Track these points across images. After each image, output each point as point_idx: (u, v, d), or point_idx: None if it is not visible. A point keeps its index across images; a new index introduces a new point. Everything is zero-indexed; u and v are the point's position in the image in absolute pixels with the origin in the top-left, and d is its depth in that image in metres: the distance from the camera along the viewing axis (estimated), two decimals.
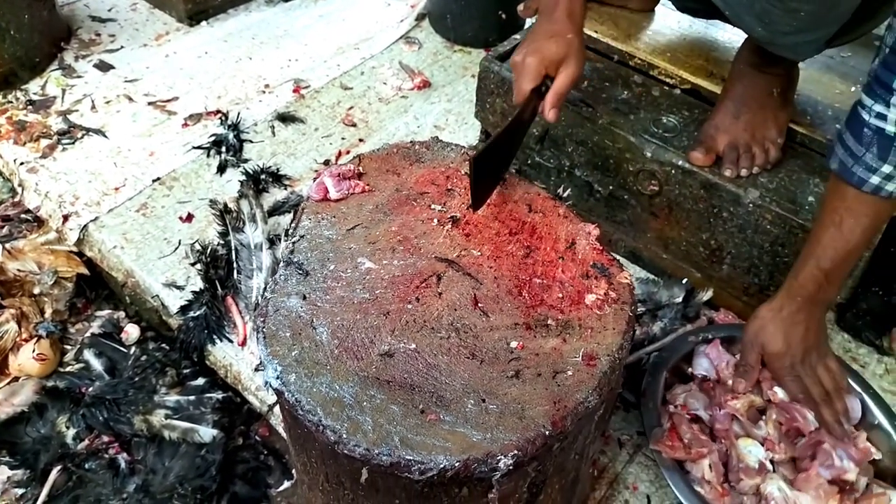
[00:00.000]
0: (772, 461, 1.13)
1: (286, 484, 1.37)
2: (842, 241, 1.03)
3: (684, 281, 1.44)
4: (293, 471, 1.38)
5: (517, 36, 1.63)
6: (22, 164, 1.71)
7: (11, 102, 1.87)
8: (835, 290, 1.10)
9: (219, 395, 1.41)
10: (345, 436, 0.74)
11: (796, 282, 1.09)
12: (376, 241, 0.96)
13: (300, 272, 0.91)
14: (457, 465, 0.73)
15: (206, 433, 1.35)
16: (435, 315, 0.87)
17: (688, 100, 1.49)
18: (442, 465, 0.73)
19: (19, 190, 1.73)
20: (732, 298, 1.43)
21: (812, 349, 1.13)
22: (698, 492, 1.10)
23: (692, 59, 1.54)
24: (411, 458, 0.73)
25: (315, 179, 1.04)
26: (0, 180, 1.83)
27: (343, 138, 1.85)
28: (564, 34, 1.12)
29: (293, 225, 0.99)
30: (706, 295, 1.43)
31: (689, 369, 1.27)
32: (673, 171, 1.36)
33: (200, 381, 1.44)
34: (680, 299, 1.41)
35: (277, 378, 0.79)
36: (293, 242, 0.95)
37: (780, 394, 1.18)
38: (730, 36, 1.60)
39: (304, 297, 0.88)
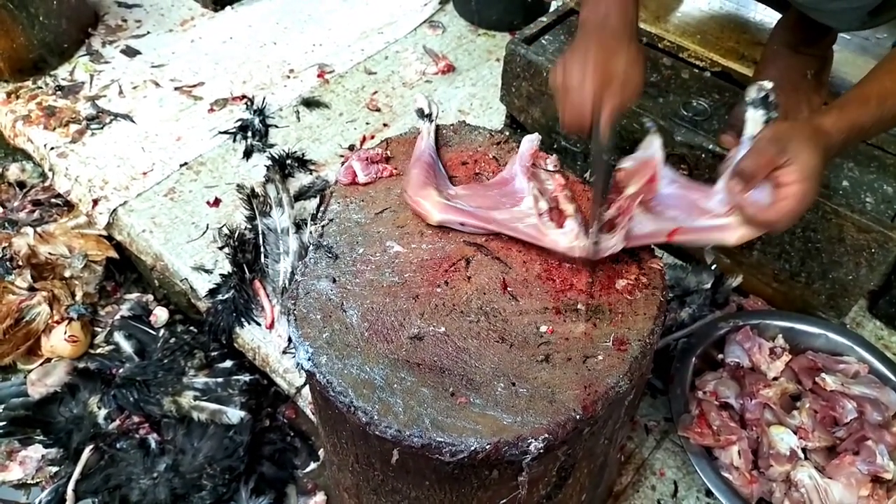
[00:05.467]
0: (804, 450, 1.12)
1: (312, 465, 1.39)
2: None
3: (713, 267, 1.43)
4: (319, 452, 1.40)
5: (543, 19, 1.61)
6: (52, 148, 1.74)
7: (41, 88, 1.90)
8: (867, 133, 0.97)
9: (246, 378, 1.43)
10: (376, 417, 0.75)
11: (850, 116, 0.92)
12: (405, 224, 0.96)
13: (330, 255, 0.91)
14: (487, 447, 0.73)
15: (234, 415, 1.37)
16: (464, 299, 0.87)
17: (718, 83, 1.47)
18: (473, 448, 0.73)
19: (50, 174, 1.75)
20: (762, 285, 1.41)
21: (818, 166, 0.86)
22: (726, 478, 1.09)
23: (723, 42, 1.51)
24: (442, 439, 0.73)
25: (343, 164, 1.04)
26: (31, 165, 1.86)
27: (367, 123, 1.85)
28: (621, 43, 0.92)
29: (322, 209, 0.99)
30: (735, 281, 1.41)
31: (719, 356, 1.26)
32: (703, 155, 1.34)
33: (228, 363, 1.46)
34: (709, 285, 1.39)
35: (309, 360, 0.80)
36: (322, 226, 0.95)
37: (829, 381, 1.17)
38: (762, 17, 1.57)
39: (334, 281, 0.88)
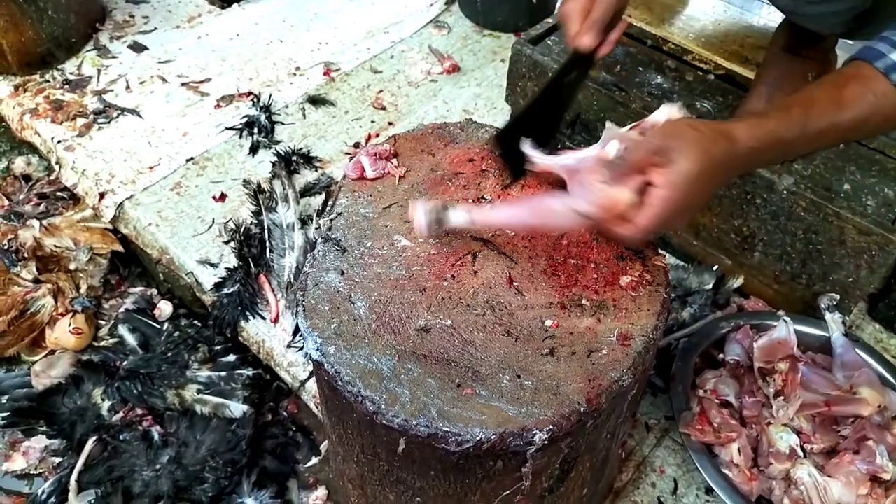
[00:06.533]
0: (803, 448, 1.13)
1: (314, 460, 1.39)
2: (838, 112, 0.86)
3: (715, 268, 1.44)
4: (321, 447, 1.40)
5: (549, 20, 1.62)
6: (59, 142, 1.75)
7: (49, 82, 1.91)
8: (785, 155, 0.89)
9: (249, 372, 1.44)
10: (383, 406, 0.76)
11: (768, 124, 0.85)
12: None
13: (338, 248, 0.92)
14: (493, 437, 0.74)
15: (237, 408, 1.38)
16: (470, 293, 0.88)
17: (722, 85, 1.48)
18: (478, 438, 0.74)
19: (56, 168, 1.76)
20: (763, 286, 1.42)
21: (695, 199, 0.80)
22: (726, 475, 1.10)
23: (727, 45, 1.52)
24: (448, 429, 0.74)
25: (350, 159, 1.05)
26: (36, 158, 1.87)
27: (373, 121, 1.86)
28: None
29: (330, 202, 1.00)
30: (737, 282, 1.42)
31: (720, 355, 1.27)
32: None
33: (231, 357, 1.47)
34: (710, 286, 1.40)
35: (317, 350, 0.81)
36: (331, 219, 0.96)
37: None
38: (765, 21, 1.59)
39: (343, 273, 0.89)
